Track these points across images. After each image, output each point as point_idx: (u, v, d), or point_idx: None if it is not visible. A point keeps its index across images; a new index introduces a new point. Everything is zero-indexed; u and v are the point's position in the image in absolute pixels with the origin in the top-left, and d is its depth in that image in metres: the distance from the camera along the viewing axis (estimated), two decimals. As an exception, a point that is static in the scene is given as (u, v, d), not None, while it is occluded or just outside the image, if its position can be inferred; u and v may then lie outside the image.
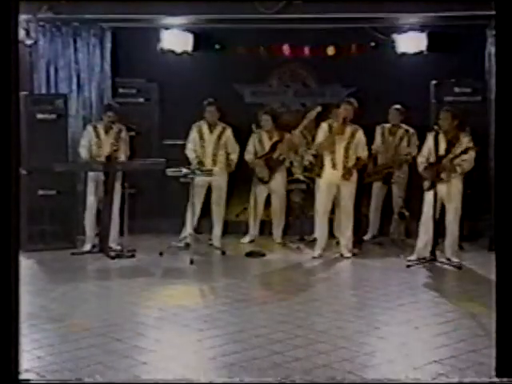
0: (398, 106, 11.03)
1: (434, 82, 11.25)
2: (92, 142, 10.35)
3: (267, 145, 10.96)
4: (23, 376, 4.74)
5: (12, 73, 4.19)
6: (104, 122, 10.40)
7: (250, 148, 11.03)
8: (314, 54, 11.56)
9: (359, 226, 10.93)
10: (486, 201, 10.49)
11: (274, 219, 11.21)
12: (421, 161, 9.66)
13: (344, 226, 10.15)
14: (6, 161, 4.12)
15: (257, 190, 10.96)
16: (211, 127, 10.73)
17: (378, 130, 11.15)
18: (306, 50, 11.55)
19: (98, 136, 10.36)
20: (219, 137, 10.72)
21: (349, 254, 10.08)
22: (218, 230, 10.85)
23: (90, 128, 10.48)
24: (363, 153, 10.09)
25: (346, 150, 9.94)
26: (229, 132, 10.77)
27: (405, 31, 11.14)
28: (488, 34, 10.82)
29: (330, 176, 10.02)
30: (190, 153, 10.66)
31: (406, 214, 10.61)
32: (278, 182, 11.03)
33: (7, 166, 4.13)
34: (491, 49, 10.77)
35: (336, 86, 11.70)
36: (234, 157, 10.81)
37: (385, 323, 6.96)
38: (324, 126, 10.09)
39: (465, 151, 9.32)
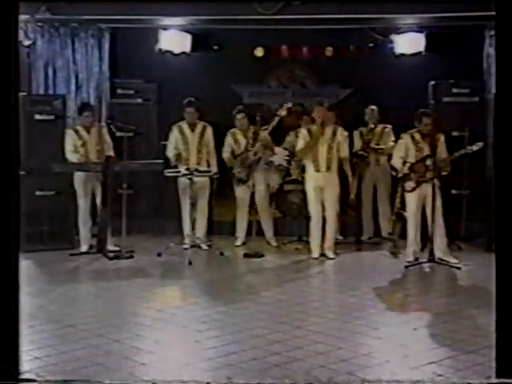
0: (373, 107, 11.09)
1: (432, 82, 11.25)
2: (77, 144, 10.29)
3: (243, 143, 10.85)
4: (23, 377, 4.75)
5: (12, 73, 4.19)
6: (83, 123, 10.36)
7: (226, 148, 10.91)
8: (313, 54, 11.58)
9: (357, 227, 11.03)
10: (482, 201, 10.52)
11: (261, 220, 11.10)
12: (400, 163, 9.62)
13: (328, 227, 10.16)
14: (6, 162, 4.12)
15: (238, 191, 10.86)
16: (192, 126, 10.72)
17: (356, 134, 11.21)
18: (305, 51, 11.57)
19: (81, 138, 10.32)
20: (201, 135, 10.72)
21: (332, 255, 10.11)
22: (201, 227, 10.81)
23: (70, 132, 10.41)
24: (344, 153, 10.10)
25: (328, 150, 9.97)
26: (209, 131, 10.77)
27: (403, 32, 11.13)
28: (486, 35, 10.86)
29: (314, 180, 10.07)
30: (171, 152, 10.67)
31: (404, 214, 10.59)
32: (259, 181, 10.87)
33: (7, 167, 4.13)
34: (489, 49, 10.83)
35: (334, 87, 11.72)
36: (214, 158, 10.80)
37: (383, 324, 6.96)
38: (303, 131, 10.12)
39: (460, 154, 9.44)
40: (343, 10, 10.50)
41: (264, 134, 10.68)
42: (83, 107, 10.60)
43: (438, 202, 9.52)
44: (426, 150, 9.47)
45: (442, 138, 9.63)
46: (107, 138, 10.47)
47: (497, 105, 4.75)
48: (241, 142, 10.89)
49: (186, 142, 10.69)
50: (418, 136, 9.61)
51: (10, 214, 4.19)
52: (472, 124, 10.57)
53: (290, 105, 10.51)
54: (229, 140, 10.94)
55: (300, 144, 10.12)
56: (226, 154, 10.91)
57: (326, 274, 9.66)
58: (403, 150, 9.65)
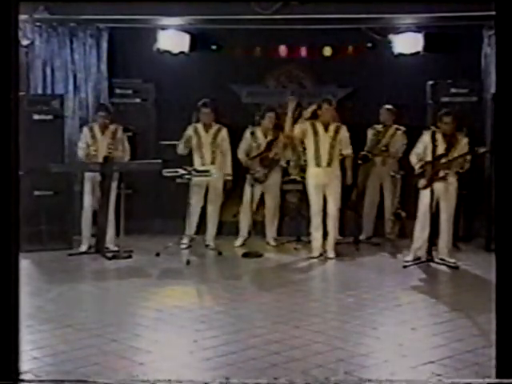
0: (389, 106, 11.05)
1: (430, 82, 11.24)
2: (89, 143, 10.29)
3: (263, 143, 10.79)
4: (23, 377, 4.74)
5: (12, 74, 4.18)
6: (99, 122, 10.34)
7: (242, 145, 10.87)
8: (311, 54, 11.54)
9: (355, 227, 11.02)
10: (481, 201, 10.63)
11: (267, 220, 11.09)
12: (415, 160, 9.62)
13: (329, 226, 10.12)
14: (5, 162, 4.10)
15: (251, 190, 10.70)
16: (206, 127, 10.69)
17: (370, 132, 11.16)
18: (303, 51, 11.53)
19: (94, 137, 10.30)
20: (215, 135, 10.69)
21: (332, 255, 10.08)
22: (212, 230, 10.83)
23: (86, 130, 10.42)
24: (347, 150, 10.10)
25: (331, 147, 9.97)
26: (224, 132, 10.74)
27: (401, 32, 11.11)
28: (484, 35, 10.96)
29: (315, 176, 10.05)
30: (181, 148, 10.67)
31: (403, 214, 10.59)
32: (273, 181, 10.88)
33: (7, 168, 4.12)
34: (487, 49, 10.95)
35: (332, 87, 11.65)
36: (228, 159, 10.77)
37: (381, 324, 6.97)
38: (307, 123, 10.11)
39: (464, 154, 9.41)
40: (341, 9, 10.49)
41: (286, 135, 10.59)
42: (99, 107, 10.61)
43: (451, 202, 9.57)
44: (443, 149, 9.44)
45: (464, 140, 9.58)
46: (125, 141, 10.47)
47: (497, 104, 4.75)
48: (260, 141, 10.82)
49: (199, 142, 10.66)
50: (438, 135, 9.54)
51: (9, 214, 4.18)
52: (470, 124, 10.50)
53: (315, 106, 10.38)
54: (247, 138, 10.85)
55: (297, 130, 10.12)
56: (241, 155, 10.85)
57: (324, 274, 9.66)
58: (421, 148, 9.61)
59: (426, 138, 9.60)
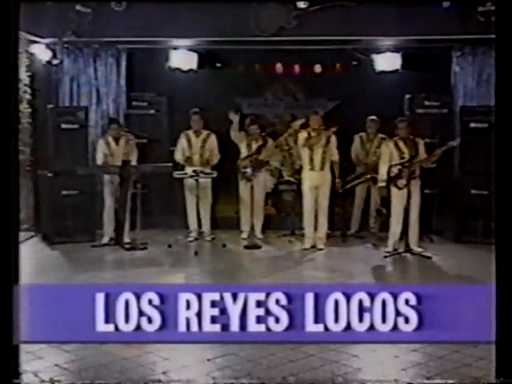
0: (374, 117, 10.46)
1: (407, 96, 10.70)
2: (106, 153, 9.80)
3: (254, 148, 10.14)
4: (23, 377, 3.94)
5: (12, 73, 3.45)
6: (111, 134, 9.85)
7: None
8: (304, 71, 10.95)
9: (343, 222, 10.39)
10: (451, 198, 10.24)
11: (254, 214, 10.14)
12: (385, 170, 8.98)
13: (320, 221, 9.57)
14: (5, 155, 3.42)
15: (242, 190, 10.18)
16: (197, 133, 10.15)
17: (357, 138, 10.54)
18: (297, 68, 10.95)
19: (109, 147, 9.81)
20: (204, 141, 10.11)
21: (322, 246, 9.51)
22: (206, 226, 10.19)
23: (101, 141, 9.93)
24: (335, 157, 9.54)
25: (323, 153, 9.41)
26: (213, 138, 10.16)
27: (382, 52, 10.54)
28: (453, 55, 10.57)
29: (309, 179, 9.48)
30: (178, 155, 10.11)
31: (384, 211, 9.95)
32: (260, 179, 10.19)
33: (7, 161, 3.44)
34: (456, 68, 10.59)
35: (322, 100, 11.09)
36: (215, 163, 10.12)
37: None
38: (303, 133, 9.55)
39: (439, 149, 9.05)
40: (330, 32, 9.93)
41: (272, 142, 10.27)
42: (110, 121, 10.15)
43: (418, 200, 9.06)
44: (407, 152, 9.02)
45: (421, 142, 9.21)
46: (134, 148, 9.93)
47: (497, 109, 4.04)
48: (252, 146, 10.14)
49: (190, 146, 10.10)
50: (398, 140, 9.14)
51: (10, 211, 3.48)
52: (441, 132, 10.04)
53: (303, 120, 9.88)
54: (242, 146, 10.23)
55: (301, 140, 9.51)
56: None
57: (315, 263, 8.96)
58: (388, 158, 9.09)
59: (389, 147, 9.16)
